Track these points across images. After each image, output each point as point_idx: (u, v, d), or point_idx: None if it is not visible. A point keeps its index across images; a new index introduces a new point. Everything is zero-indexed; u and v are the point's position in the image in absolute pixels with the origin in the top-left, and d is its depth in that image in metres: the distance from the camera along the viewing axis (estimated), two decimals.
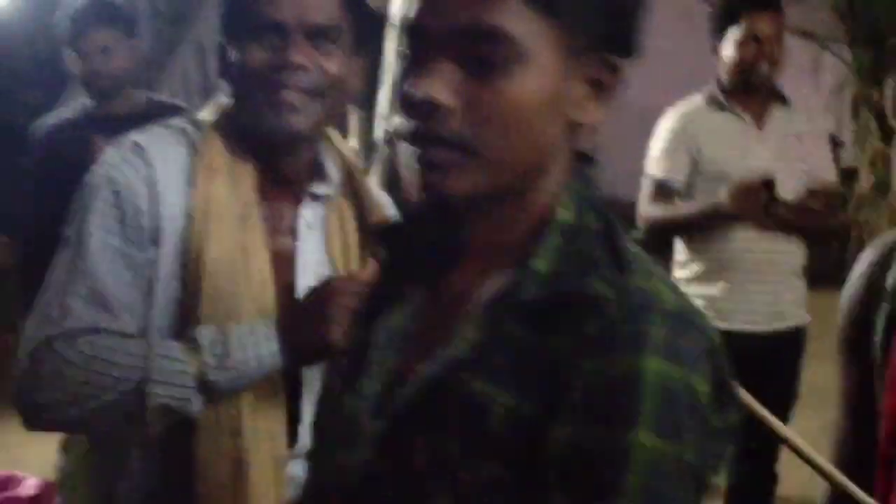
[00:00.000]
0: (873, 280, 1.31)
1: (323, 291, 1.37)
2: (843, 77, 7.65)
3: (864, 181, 7.39)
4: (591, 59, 0.85)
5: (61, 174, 2.57)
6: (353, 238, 1.56)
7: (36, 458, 3.59)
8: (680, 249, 3.01)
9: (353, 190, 1.57)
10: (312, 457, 1.11)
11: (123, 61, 3.00)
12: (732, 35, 2.82)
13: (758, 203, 2.69)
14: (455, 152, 0.83)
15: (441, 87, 0.81)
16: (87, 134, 2.96)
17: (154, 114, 2.81)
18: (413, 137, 0.84)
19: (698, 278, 2.96)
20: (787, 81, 3.14)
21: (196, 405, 1.33)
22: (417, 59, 0.84)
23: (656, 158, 2.93)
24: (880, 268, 1.32)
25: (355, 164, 1.60)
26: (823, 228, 3.09)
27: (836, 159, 7.10)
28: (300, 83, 1.33)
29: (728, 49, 2.82)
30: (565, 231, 0.86)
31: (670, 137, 2.92)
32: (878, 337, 1.28)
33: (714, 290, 2.91)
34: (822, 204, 2.95)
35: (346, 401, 0.98)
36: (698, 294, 2.93)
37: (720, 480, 1.25)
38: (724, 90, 2.86)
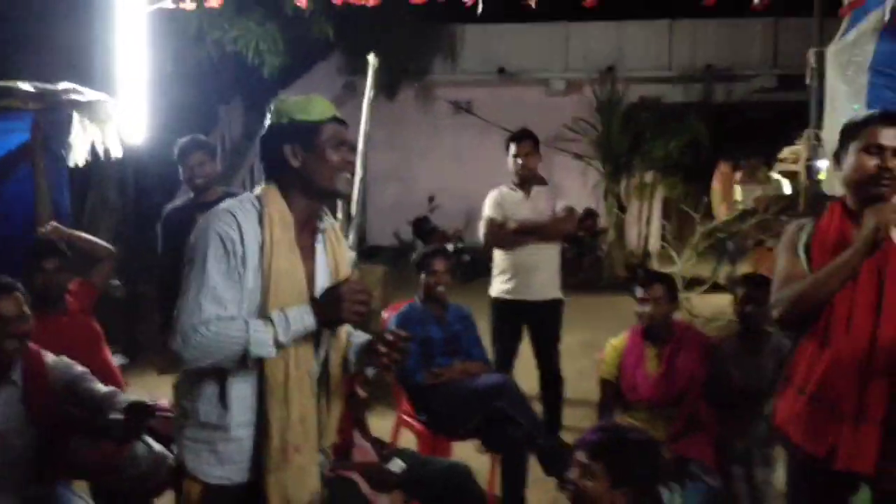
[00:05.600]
0: (797, 230, 2.13)
1: (337, 289, 1.75)
2: (599, 179, 11.19)
3: (610, 235, 10.84)
4: None
5: (176, 236, 3.27)
6: (340, 252, 1.94)
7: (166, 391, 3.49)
8: (497, 256, 4.32)
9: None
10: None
11: (209, 171, 3.84)
12: (513, 153, 4.21)
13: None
14: None
15: None
16: (191, 213, 3.45)
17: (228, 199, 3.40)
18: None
19: (503, 273, 4.26)
20: (568, 182, 4.89)
21: (272, 352, 1.74)
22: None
23: (489, 209, 4.29)
24: (799, 227, 2.13)
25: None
26: (560, 230, 4.27)
27: (595, 225, 10.28)
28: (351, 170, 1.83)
29: (514, 164, 4.23)
30: None
31: (493, 201, 4.32)
32: (801, 248, 2.08)
33: (511, 280, 4.23)
34: (565, 217, 4.20)
35: None
36: (503, 282, 4.19)
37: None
38: (514, 182, 4.29)
